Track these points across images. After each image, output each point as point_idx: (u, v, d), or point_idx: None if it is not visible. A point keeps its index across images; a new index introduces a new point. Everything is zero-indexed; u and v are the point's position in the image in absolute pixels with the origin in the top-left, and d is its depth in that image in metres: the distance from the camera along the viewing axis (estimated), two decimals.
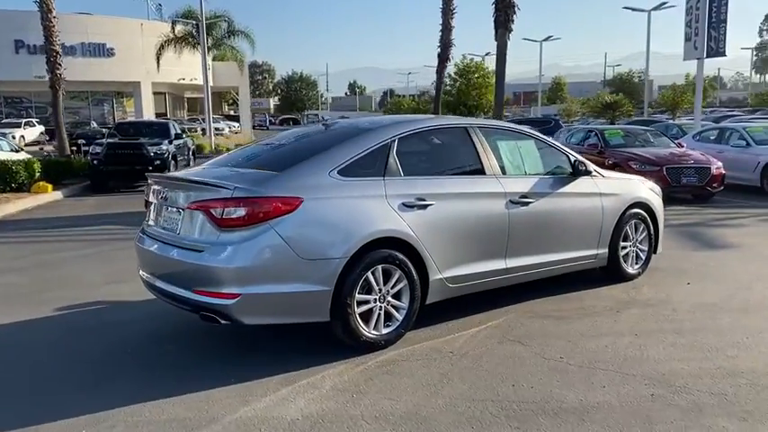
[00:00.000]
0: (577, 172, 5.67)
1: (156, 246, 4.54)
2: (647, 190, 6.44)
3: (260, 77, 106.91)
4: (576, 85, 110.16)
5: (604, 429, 3.28)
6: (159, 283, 4.46)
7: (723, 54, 17.91)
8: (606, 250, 5.91)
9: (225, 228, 4.02)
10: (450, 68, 37.59)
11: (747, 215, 10.57)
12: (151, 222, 4.80)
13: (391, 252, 4.39)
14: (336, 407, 3.58)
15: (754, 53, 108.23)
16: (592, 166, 5.82)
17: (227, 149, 32.13)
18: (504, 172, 5.22)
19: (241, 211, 3.98)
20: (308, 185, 4.20)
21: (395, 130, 4.78)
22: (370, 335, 4.35)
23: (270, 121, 79.66)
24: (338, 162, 4.39)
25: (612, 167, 11.88)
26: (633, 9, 38.70)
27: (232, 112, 65.63)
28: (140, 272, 4.85)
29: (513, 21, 16.03)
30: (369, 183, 4.46)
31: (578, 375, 3.96)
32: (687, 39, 19.08)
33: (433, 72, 24.51)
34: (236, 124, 53.28)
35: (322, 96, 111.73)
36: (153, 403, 3.64)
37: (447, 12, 20.54)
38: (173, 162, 16.60)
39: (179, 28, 33.93)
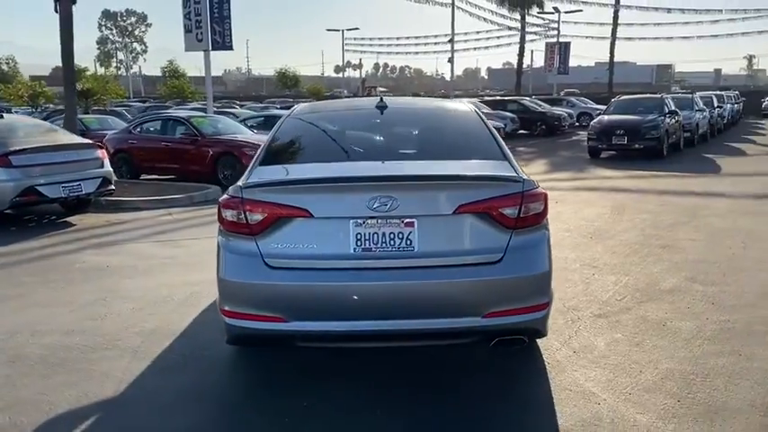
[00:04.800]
0: None
1: (357, 277, 3.25)
2: None
3: None
4: None
5: None
6: (389, 325, 3.29)
7: (230, 48, 19.49)
8: None
9: (519, 229, 3.30)
10: None
11: None
12: (297, 250, 3.22)
13: None
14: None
15: (97, 47, 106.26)
16: None
17: None
18: None
19: (534, 207, 3.40)
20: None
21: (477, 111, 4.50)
22: None
23: None
24: (505, 148, 3.98)
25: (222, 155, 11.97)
26: None
27: None
28: (284, 325, 3.29)
29: None
30: None
31: (740, 309, 4.81)
32: (188, 30, 19.77)
33: None
34: None
35: None
36: None
37: None
38: None
39: None
